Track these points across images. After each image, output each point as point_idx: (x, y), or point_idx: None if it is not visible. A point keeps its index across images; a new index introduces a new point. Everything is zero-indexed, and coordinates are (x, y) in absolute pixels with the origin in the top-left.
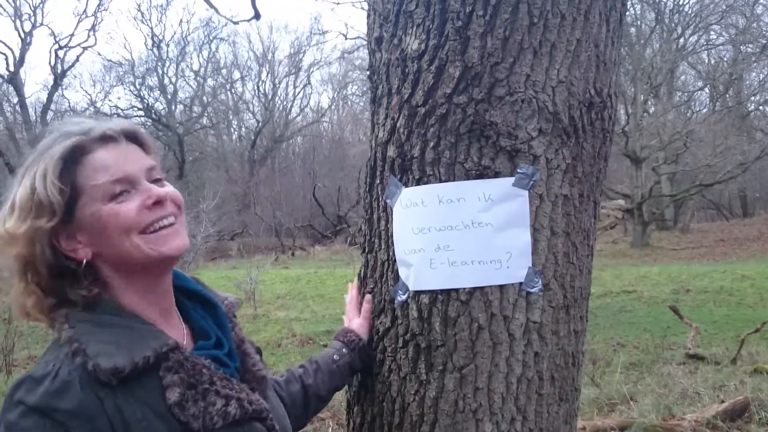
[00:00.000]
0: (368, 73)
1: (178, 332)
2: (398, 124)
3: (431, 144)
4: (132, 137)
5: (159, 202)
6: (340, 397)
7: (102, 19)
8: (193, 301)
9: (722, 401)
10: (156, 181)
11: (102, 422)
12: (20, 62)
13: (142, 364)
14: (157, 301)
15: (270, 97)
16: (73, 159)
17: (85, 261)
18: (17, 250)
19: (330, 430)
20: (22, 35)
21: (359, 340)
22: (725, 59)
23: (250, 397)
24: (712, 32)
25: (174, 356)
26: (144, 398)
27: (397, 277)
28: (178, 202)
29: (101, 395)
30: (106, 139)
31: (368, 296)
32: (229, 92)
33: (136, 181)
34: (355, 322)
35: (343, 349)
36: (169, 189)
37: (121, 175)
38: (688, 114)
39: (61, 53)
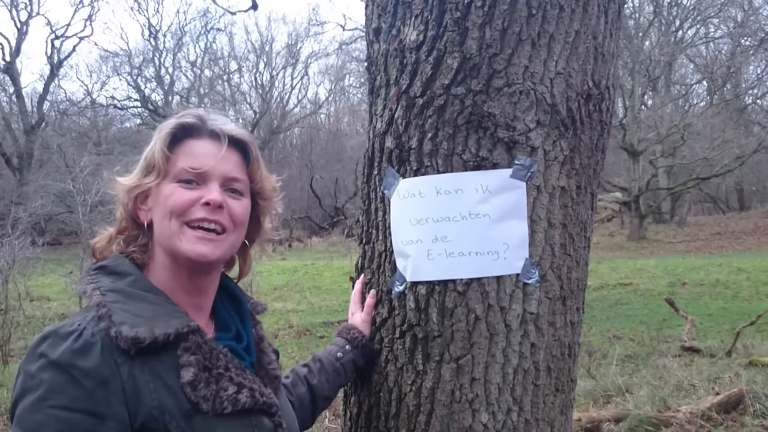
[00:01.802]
0: (366, 64)
1: (206, 326)
2: (396, 115)
3: (429, 135)
4: (238, 145)
5: (209, 205)
6: None
7: (98, 9)
8: (221, 295)
9: (717, 393)
10: (232, 192)
11: (115, 386)
12: (16, 52)
13: (162, 339)
14: (192, 292)
15: (267, 88)
16: (179, 137)
17: (146, 222)
18: (124, 194)
19: (326, 420)
20: (18, 25)
21: (362, 337)
22: (723, 52)
23: (262, 390)
24: (710, 25)
25: (194, 338)
26: (159, 372)
27: (394, 268)
28: (237, 219)
29: (119, 361)
30: (213, 134)
31: (372, 291)
32: (226, 83)
33: (208, 178)
34: (357, 316)
35: (347, 346)
36: (236, 203)
37: (197, 166)
38: (686, 107)
39: (57, 43)
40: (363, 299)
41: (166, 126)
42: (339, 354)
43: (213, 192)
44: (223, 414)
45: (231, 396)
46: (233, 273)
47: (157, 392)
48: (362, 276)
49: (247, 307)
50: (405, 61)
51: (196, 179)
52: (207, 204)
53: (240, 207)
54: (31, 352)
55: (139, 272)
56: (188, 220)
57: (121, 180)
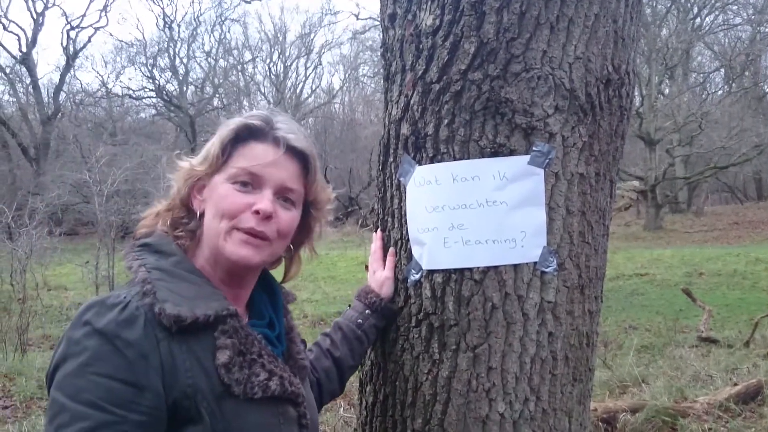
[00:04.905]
0: (381, 50)
1: (241, 314)
2: (412, 101)
3: (445, 121)
4: (299, 155)
5: (259, 214)
6: (352, 378)
7: (114, 0)
8: (257, 283)
9: (735, 384)
10: (284, 201)
11: (154, 360)
12: (32, 43)
13: (202, 319)
14: (231, 285)
15: (281, 78)
16: (243, 136)
17: (198, 212)
18: (179, 177)
19: (341, 410)
20: (35, 16)
21: (380, 300)
22: (742, 40)
23: (291, 379)
24: (729, 12)
25: (231, 322)
26: (196, 351)
27: (410, 257)
28: (282, 231)
29: (159, 336)
30: (277, 140)
31: (392, 249)
32: (240, 73)
33: (264, 185)
34: (380, 274)
35: (366, 311)
36: (285, 214)
37: (255, 171)
38: (704, 95)
39: (73, 34)
40: (384, 256)
41: (232, 123)
42: (359, 321)
43: (265, 200)
44: (252, 399)
45: (262, 382)
46: (277, 273)
47: (192, 371)
48: (379, 232)
49: (281, 297)
50: (421, 46)
51: (251, 182)
52: (257, 212)
53: (288, 218)
54: (76, 320)
55: (183, 254)
56: (237, 226)
57: (179, 162)
